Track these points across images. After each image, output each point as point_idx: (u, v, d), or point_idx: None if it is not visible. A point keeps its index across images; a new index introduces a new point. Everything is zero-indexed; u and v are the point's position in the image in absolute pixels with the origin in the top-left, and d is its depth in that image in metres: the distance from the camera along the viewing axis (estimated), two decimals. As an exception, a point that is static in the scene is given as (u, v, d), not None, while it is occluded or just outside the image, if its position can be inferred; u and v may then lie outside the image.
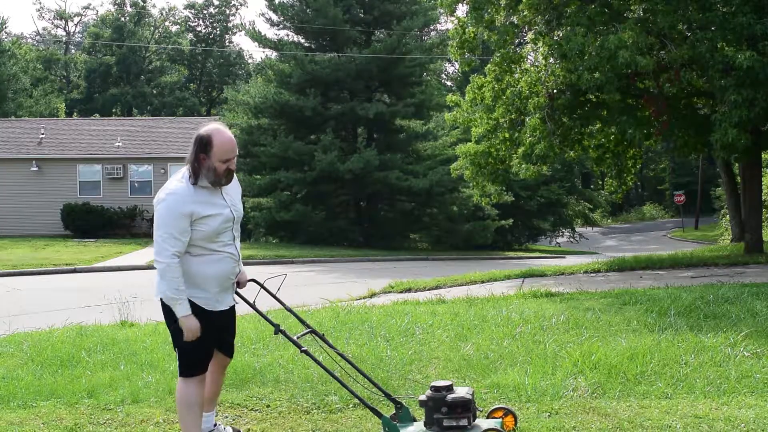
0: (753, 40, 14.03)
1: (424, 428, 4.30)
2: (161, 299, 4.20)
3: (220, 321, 4.31)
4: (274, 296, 4.71)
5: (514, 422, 4.54)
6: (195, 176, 4.12)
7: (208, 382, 4.46)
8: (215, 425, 4.66)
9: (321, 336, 4.69)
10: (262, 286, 4.65)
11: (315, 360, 4.50)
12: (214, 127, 4.16)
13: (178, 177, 4.20)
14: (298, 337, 4.47)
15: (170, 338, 4.36)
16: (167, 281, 4.04)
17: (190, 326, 4.12)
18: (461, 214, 31.73)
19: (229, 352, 4.54)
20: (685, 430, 4.58)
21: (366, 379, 4.73)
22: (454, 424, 4.22)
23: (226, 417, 5.14)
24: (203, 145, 4.09)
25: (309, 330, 4.63)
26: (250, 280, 4.67)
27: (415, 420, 4.45)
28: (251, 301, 4.55)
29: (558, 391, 5.33)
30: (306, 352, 4.39)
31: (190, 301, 4.13)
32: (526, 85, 16.26)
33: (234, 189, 4.34)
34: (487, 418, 4.53)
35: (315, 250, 26.31)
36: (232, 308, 4.45)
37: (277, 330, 4.39)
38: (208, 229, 4.13)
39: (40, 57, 62.10)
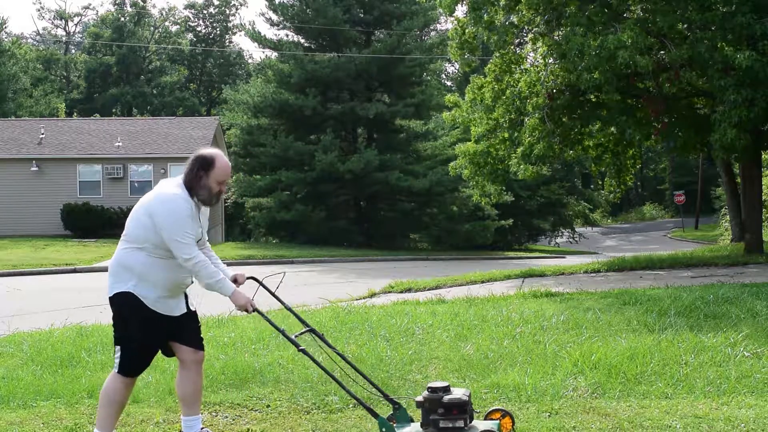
0: (752, 40, 14.02)
1: (421, 429, 4.30)
2: (112, 296, 4.33)
3: (169, 326, 4.41)
4: (273, 294, 4.71)
5: (511, 424, 4.53)
6: (188, 192, 4.32)
7: (186, 381, 4.51)
8: (202, 429, 4.63)
9: (320, 335, 4.68)
10: (260, 283, 4.65)
11: (313, 359, 4.50)
12: (216, 151, 4.43)
13: (173, 185, 4.34)
14: (296, 336, 4.47)
15: (114, 335, 4.45)
16: (206, 272, 4.22)
17: (241, 299, 4.30)
18: (461, 214, 31.73)
19: (198, 344, 4.56)
20: (685, 430, 4.58)
21: (365, 380, 4.73)
22: (450, 425, 4.21)
23: (226, 417, 5.14)
24: (206, 163, 4.32)
25: (308, 329, 4.62)
26: (249, 278, 4.72)
27: (412, 421, 4.45)
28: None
29: (558, 391, 5.33)
30: (304, 351, 4.38)
31: (139, 299, 4.26)
32: (526, 86, 16.25)
33: (205, 214, 4.55)
34: (485, 419, 4.52)
35: (315, 250, 26.31)
36: (186, 314, 4.51)
37: (278, 329, 4.41)
38: None
39: (40, 57, 62.07)
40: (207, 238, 4.62)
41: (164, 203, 4.23)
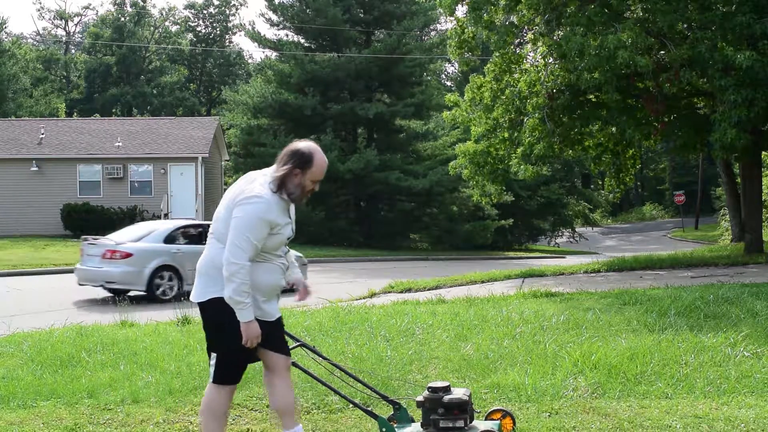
0: (752, 40, 14.03)
1: (421, 429, 4.29)
2: (205, 302, 4.04)
3: (263, 331, 4.09)
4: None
5: (512, 424, 4.53)
6: (279, 187, 4.03)
7: (285, 389, 4.19)
8: None
9: (311, 348, 4.62)
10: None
11: (305, 371, 4.52)
12: (315, 146, 4.12)
13: (261, 182, 4.06)
14: (291, 348, 4.46)
15: (207, 342, 4.17)
16: (236, 284, 3.87)
17: (253, 332, 3.97)
18: (461, 214, 31.74)
19: (288, 351, 4.30)
20: (685, 430, 4.58)
21: (363, 385, 4.73)
22: (451, 425, 4.21)
23: (226, 417, 5.14)
24: (304, 160, 4.04)
25: (299, 344, 4.56)
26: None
27: (413, 421, 4.45)
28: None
29: (558, 391, 5.33)
30: (295, 364, 4.38)
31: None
32: (526, 85, 16.25)
33: (293, 210, 4.30)
34: (486, 419, 4.52)
35: (315, 250, 26.30)
36: (279, 319, 4.26)
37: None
38: (277, 240, 4.05)
39: (40, 57, 62.05)
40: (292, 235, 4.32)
41: (249, 202, 3.96)
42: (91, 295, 13.48)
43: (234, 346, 3.99)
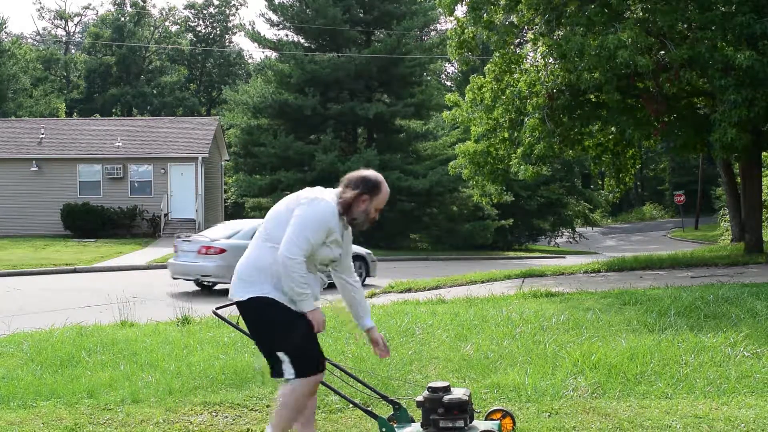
0: (752, 40, 14.02)
1: (421, 429, 4.30)
2: (245, 300, 3.98)
3: None
4: None
5: (512, 424, 4.53)
6: (345, 210, 4.05)
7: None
8: None
9: None
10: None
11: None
12: (380, 175, 4.17)
13: (329, 194, 4.07)
14: None
15: (263, 343, 4.09)
16: (296, 276, 3.87)
17: (319, 318, 4.00)
18: (461, 214, 31.73)
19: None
20: (685, 430, 4.58)
21: (363, 385, 4.73)
22: (451, 425, 4.21)
23: (226, 417, 5.14)
24: (372, 187, 4.07)
25: None
26: (234, 303, 4.41)
27: (413, 421, 4.45)
28: (234, 322, 4.53)
29: (558, 391, 5.33)
30: None
31: (277, 300, 3.98)
32: (526, 86, 16.25)
33: (349, 236, 4.30)
34: (485, 419, 4.52)
35: (315, 250, 26.26)
36: None
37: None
38: (323, 253, 4.04)
39: (40, 57, 62.04)
40: (351, 265, 4.34)
41: (315, 202, 3.95)
42: (91, 296, 13.48)
43: (296, 338, 3.95)
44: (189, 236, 15.32)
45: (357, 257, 15.24)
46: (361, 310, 4.29)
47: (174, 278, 14.56)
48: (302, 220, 3.91)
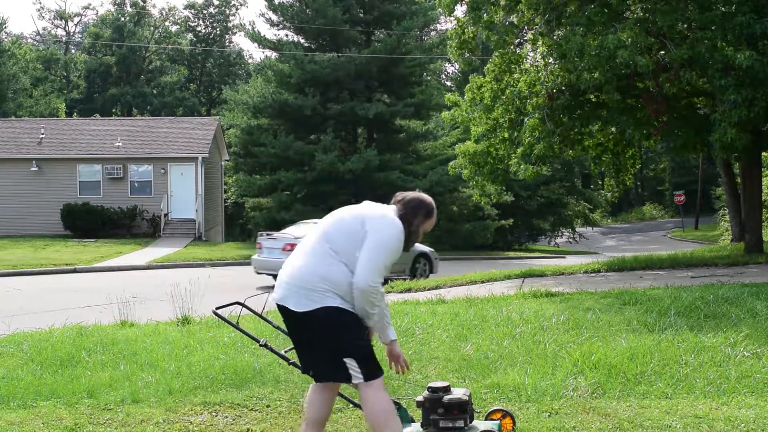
0: (752, 40, 14.01)
1: (421, 429, 4.30)
2: (314, 310, 3.89)
3: None
4: (259, 315, 4.70)
5: (512, 424, 4.53)
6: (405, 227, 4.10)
7: (328, 404, 4.18)
8: None
9: None
10: (244, 305, 4.62)
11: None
12: (432, 201, 4.26)
13: (393, 213, 4.10)
14: (286, 351, 4.47)
15: (325, 351, 4.00)
16: (382, 305, 3.96)
17: (396, 351, 4.21)
18: (461, 214, 31.74)
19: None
20: (685, 430, 4.58)
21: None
22: (450, 425, 4.21)
23: (226, 417, 5.14)
24: (429, 211, 4.17)
25: None
26: (234, 303, 4.61)
27: (413, 421, 4.45)
28: (234, 322, 4.54)
29: (558, 391, 5.33)
30: (294, 365, 4.38)
31: (345, 308, 3.95)
32: (526, 86, 16.24)
33: None
34: (485, 419, 4.52)
35: (315, 250, 26.26)
36: None
37: (261, 344, 4.39)
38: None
39: (40, 57, 62.03)
40: None
41: (388, 224, 3.96)
42: (91, 296, 13.47)
43: (361, 342, 3.97)
44: (272, 234, 16.59)
45: (422, 255, 17.01)
46: (386, 320, 4.16)
47: (258, 273, 15.94)
48: (380, 244, 3.90)
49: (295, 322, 4.03)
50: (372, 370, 3.97)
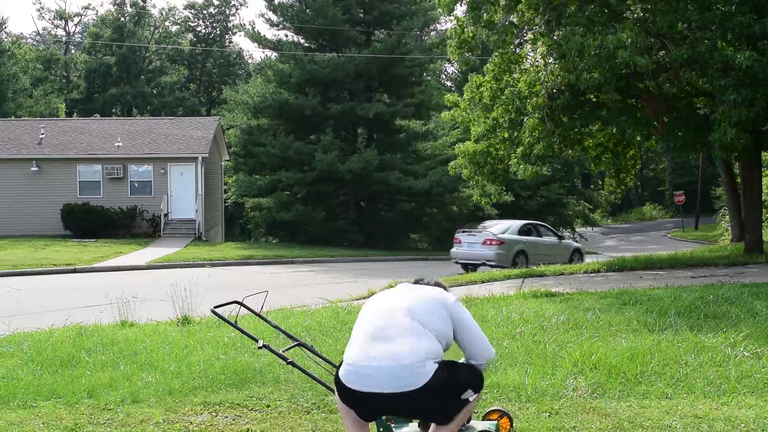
0: (752, 40, 14.02)
1: (419, 429, 4.29)
2: (430, 380, 3.78)
3: None
4: (258, 314, 4.70)
5: (509, 425, 4.53)
6: None
7: None
8: None
9: (309, 348, 4.67)
10: (243, 305, 4.62)
11: (305, 372, 4.53)
12: None
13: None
14: (285, 350, 4.47)
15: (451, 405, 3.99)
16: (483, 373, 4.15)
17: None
18: (461, 214, 31.75)
19: None
20: (685, 430, 4.58)
21: None
22: None
23: (226, 417, 5.14)
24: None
25: (297, 343, 4.60)
26: (233, 302, 4.60)
27: (411, 421, 4.45)
28: (233, 321, 4.54)
29: (558, 391, 5.33)
30: (293, 364, 4.39)
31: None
32: (525, 85, 16.24)
33: None
34: (483, 419, 4.52)
35: (315, 250, 26.31)
36: None
37: (260, 347, 4.38)
38: None
39: (40, 57, 62.03)
40: None
41: (463, 307, 4.17)
42: (91, 296, 13.48)
43: (473, 379, 4.06)
44: (470, 231, 20.21)
45: (576, 250, 21.37)
46: None
47: (456, 263, 19.53)
48: (473, 322, 4.15)
49: (412, 401, 3.86)
50: (481, 383, 4.21)
